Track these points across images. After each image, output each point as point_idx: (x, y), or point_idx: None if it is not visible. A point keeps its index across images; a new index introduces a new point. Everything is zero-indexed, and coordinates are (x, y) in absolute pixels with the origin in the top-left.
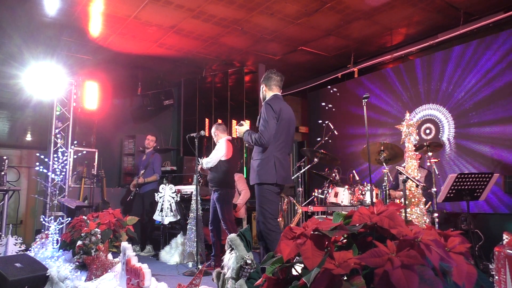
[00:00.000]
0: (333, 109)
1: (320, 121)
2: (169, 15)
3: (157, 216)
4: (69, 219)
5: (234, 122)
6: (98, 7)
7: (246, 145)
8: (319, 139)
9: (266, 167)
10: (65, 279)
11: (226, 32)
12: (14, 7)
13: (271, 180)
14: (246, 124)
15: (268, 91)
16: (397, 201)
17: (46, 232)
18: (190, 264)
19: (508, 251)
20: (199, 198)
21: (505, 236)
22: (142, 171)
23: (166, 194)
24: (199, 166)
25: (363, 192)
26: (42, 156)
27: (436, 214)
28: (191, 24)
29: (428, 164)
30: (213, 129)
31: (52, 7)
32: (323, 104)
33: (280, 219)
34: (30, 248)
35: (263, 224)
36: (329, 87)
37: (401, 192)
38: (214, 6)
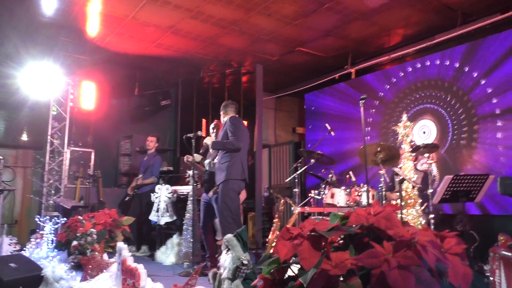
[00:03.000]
0: (330, 110)
1: (317, 122)
2: (167, 16)
3: (153, 217)
4: (65, 219)
5: None
6: (95, 7)
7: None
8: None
9: (234, 167)
10: (60, 279)
11: (224, 32)
12: (11, 7)
13: (237, 176)
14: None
15: (225, 115)
16: (394, 202)
17: (41, 232)
18: (185, 265)
19: (503, 252)
20: (195, 199)
21: (500, 238)
22: (141, 175)
23: (163, 195)
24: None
25: (360, 193)
26: (38, 156)
27: (431, 215)
28: (189, 25)
29: (425, 165)
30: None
31: (50, 7)
32: (320, 105)
33: (277, 219)
34: (25, 248)
35: (223, 217)
36: (326, 88)
37: (398, 194)
38: (212, 6)
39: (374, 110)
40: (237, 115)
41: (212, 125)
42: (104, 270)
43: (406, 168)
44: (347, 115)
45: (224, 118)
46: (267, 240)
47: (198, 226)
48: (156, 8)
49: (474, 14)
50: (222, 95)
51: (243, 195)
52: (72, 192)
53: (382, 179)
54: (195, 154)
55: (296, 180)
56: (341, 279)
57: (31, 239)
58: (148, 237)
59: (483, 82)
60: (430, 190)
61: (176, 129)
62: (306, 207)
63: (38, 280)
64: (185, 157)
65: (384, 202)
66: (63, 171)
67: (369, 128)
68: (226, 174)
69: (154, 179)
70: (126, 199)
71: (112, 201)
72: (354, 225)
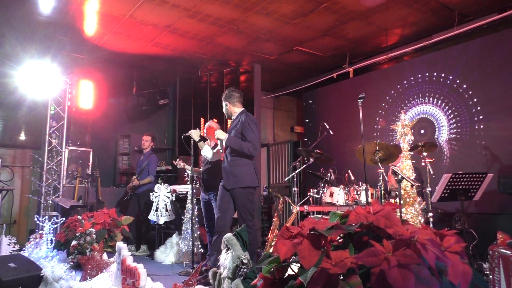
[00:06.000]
0: (329, 109)
1: (316, 121)
2: (164, 15)
3: (152, 216)
4: (64, 219)
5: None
6: (93, 6)
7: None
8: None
9: (248, 172)
10: (59, 279)
11: (221, 31)
12: (8, 5)
13: (254, 183)
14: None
15: (233, 107)
16: (393, 201)
17: (40, 232)
18: (185, 264)
19: (502, 250)
20: (194, 198)
21: (499, 236)
22: (135, 176)
23: (161, 194)
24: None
25: (358, 192)
26: (37, 156)
27: (430, 214)
28: (187, 24)
29: (423, 164)
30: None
31: (47, 6)
32: (319, 104)
33: (276, 218)
34: (24, 248)
35: (245, 222)
36: (324, 87)
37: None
38: (210, 5)
39: (372, 109)
40: (242, 108)
41: (207, 125)
42: (104, 270)
43: (405, 167)
44: (345, 114)
45: (229, 110)
46: (266, 239)
47: (197, 225)
48: (154, 7)
49: (471, 14)
50: (220, 94)
51: None
52: (71, 191)
53: (380, 178)
54: (192, 131)
55: (295, 179)
56: (341, 277)
57: (30, 239)
58: (147, 237)
59: (481, 82)
60: (429, 189)
61: (174, 128)
62: (305, 206)
63: (37, 280)
64: (176, 161)
65: (383, 200)
66: (62, 170)
67: (368, 127)
68: (240, 180)
69: (151, 178)
70: (125, 198)
71: (111, 200)
72: (353, 224)
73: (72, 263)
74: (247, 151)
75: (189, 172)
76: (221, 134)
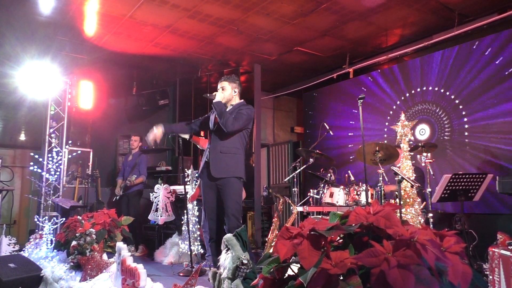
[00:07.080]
0: (329, 110)
1: (316, 122)
2: (164, 15)
3: (152, 216)
4: (64, 219)
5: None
6: (93, 6)
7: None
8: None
9: (242, 162)
10: (59, 279)
11: (221, 32)
12: (8, 5)
13: (244, 175)
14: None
15: (235, 96)
16: (392, 201)
17: (40, 232)
18: (185, 264)
19: (502, 251)
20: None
21: (499, 236)
22: (134, 176)
23: (162, 194)
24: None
25: (358, 192)
26: (36, 156)
27: (430, 214)
28: (187, 24)
29: (423, 164)
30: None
31: (47, 6)
32: (319, 104)
33: (276, 219)
34: (24, 249)
35: (236, 219)
36: (324, 87)
37: (395, 186)
38: (210, 6)
39: (372, 109)
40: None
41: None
42: (104, 270)
43: (405, 167)
44: (345, 114)
45: (231, 94)
46: (266, 239)
47: (198, 226)
48: (154, 7)
49: (472, 15)
50: None
51: (243, 195)
52: (71, 192)
53: (381, 178)
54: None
55: (295, 180)
56: (341, 278)
57: (30, 239)
58: (145, 237)
59: (481, 82)
60: (429, 189)
61: None
62: (305, 206)
63: (37, 280)
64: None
65: (383, 201)
66: (62, 171)
67: (368, 127)
68: (234, 169)
69: (143, 178)
70: (114, 199)
71: (111, 201)
72: (353, 224)
73: (72, 264)
74: (225, 120)
75: (189, 172)
76: (219, 95)
